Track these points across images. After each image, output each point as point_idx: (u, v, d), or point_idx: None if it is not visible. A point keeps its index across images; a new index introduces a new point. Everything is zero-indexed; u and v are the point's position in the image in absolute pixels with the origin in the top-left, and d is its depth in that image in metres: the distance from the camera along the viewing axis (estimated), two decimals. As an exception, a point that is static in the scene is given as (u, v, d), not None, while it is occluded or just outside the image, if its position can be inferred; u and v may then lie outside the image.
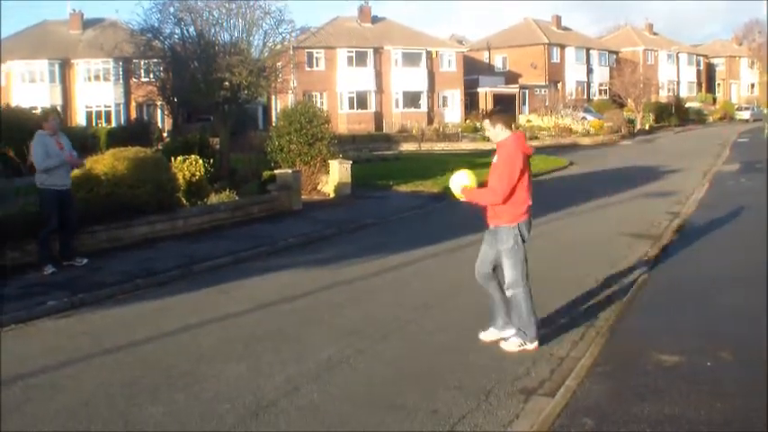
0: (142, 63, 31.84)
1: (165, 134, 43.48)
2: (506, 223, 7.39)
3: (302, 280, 11.11)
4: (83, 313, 9.42)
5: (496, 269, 7.66)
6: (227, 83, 23.86)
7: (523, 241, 7.45)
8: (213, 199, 16.66)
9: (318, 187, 21.27)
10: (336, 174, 20.93)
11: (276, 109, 50.77)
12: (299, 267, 12.13)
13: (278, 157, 21.24)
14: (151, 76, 29.07)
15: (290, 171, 18.94)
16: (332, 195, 20.67)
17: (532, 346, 7.45)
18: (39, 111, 34.20)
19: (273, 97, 49.73)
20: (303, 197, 19.16)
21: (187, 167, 15.91)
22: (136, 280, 10.86)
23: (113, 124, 51.34)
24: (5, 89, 54.97)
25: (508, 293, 7.55)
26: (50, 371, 7.24)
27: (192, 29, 25.33)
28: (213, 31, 25.55)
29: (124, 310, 9.60)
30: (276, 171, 19.27)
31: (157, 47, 26.08)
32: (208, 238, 14.32)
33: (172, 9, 25.21)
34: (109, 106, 56.68)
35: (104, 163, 13.56)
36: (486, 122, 7.60)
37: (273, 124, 32.66)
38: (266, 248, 13.63)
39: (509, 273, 7.46)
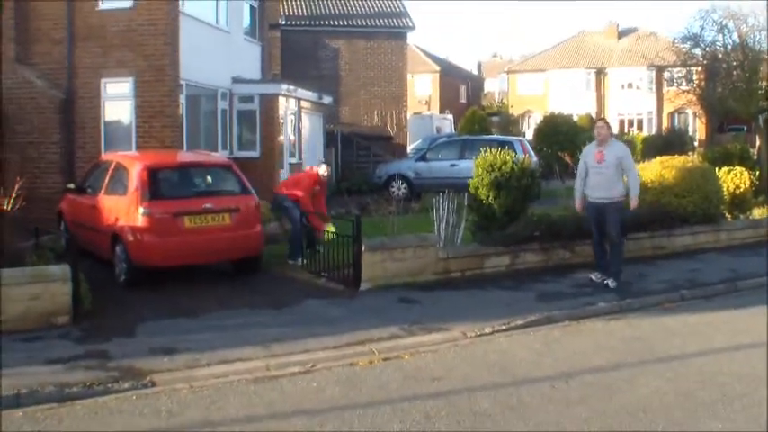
0: (675, 72, 31.78)
1: (695, 143, 42.62)
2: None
3: None
4: (630, 318, 9.68)
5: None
6: (771, 91, 22.75)
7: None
8: (755, 213, 15.89)
9: None
10: None
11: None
12: None
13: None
14: (689, 84, 28.84)
15: None
16: None
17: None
18: (575, 118, 35.92)
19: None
20: None
21: (731, 179, 15.37)
22: (681, 290, 10.83)
23: (644, 132, 51.61)
24: (544, 97, 58.76)
25: None
26: (606, 370, 7.57)
27: (734, 35, 24.62)
28: (758, 36, 24.52)
29: (671, 319, 9.64)
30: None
31: (697, 55, 25.81)
32: (751, 254, 13.65)
33: (715, 16, 24.76)
34: (640, 114, 57.10)
35: (651, 171, 13.74)
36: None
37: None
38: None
39: None
